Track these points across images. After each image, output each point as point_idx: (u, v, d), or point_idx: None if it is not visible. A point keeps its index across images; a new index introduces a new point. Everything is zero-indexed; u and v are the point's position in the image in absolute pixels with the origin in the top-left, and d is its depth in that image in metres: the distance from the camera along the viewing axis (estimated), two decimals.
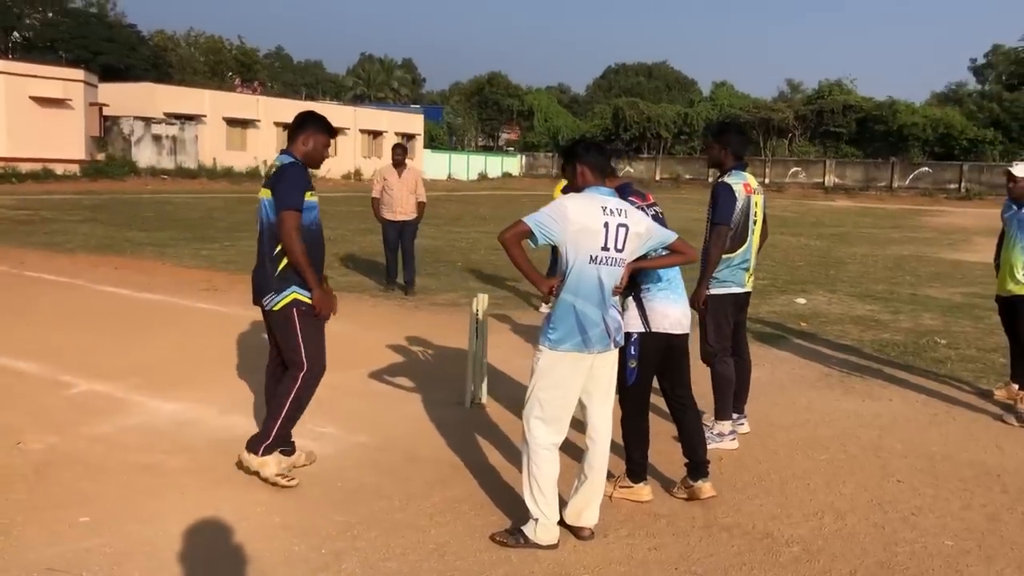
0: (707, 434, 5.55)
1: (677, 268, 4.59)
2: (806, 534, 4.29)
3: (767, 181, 52.43)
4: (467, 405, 6.23)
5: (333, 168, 48.07)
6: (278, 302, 4.53)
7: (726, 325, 5.63)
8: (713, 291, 5.59)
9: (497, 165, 63.00)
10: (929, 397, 6.94)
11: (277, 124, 46.59)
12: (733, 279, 5.56)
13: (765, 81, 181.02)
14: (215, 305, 9.86)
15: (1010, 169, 6.51)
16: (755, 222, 5.59)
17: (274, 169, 4.56)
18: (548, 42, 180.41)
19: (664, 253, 4.26)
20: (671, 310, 4.54)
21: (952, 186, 50.91)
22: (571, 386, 4.05)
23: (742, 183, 5.56)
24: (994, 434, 6.03)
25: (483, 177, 59.83)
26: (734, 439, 5.54)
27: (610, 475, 4.44)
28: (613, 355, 4.15)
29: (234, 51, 74.79)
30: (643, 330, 4.49)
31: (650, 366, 4.57)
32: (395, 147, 11.57)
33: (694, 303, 5.71)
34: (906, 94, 78.26)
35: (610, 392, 4.20)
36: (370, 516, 4.32)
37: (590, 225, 3.93)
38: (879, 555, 4.08)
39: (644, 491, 4.63)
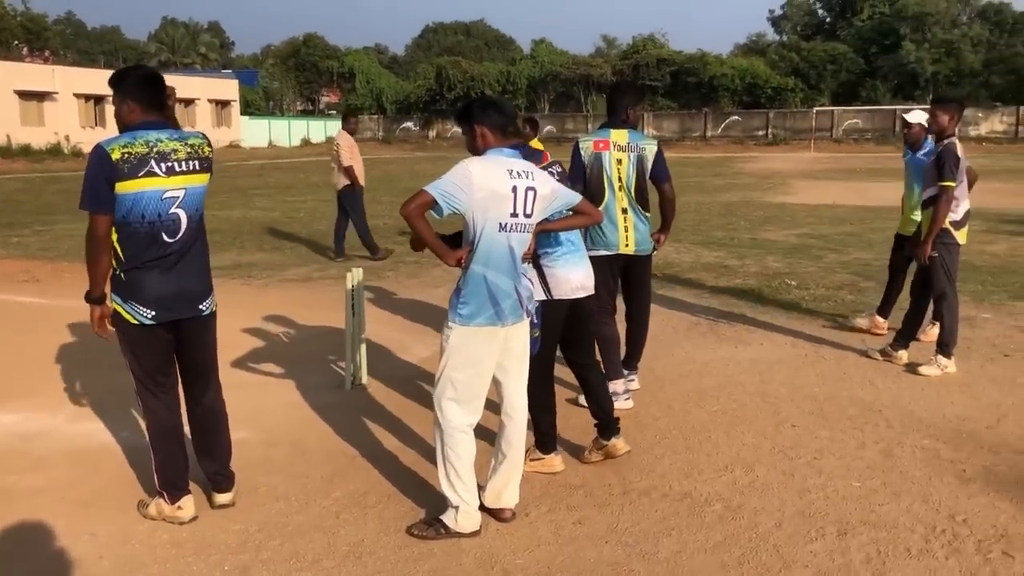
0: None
1: (577, 230, 4.42)
2: (722, 490, 4.25)
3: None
4: (348, 387, 5.87)
5: None
6: (214, 304, 3.98)
7: (601, 287, 5.47)
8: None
9: (320, 129, 60.98)
10: (795, 339, 7.15)
11: (78, 96, 43.18)
12: (600, 241, 5.42)
13: (581, 38, 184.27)
14: (39, 298, 8.92)
15: (905, 116, 6.80)
16: (616, 178, 5.43)
17: (208, 152, 3.87)
18: (361, 2, 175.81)
19: (568, 214, 4.05)
20: (573, 274, 4.37)
21: (760, 133, 53.65)
22: (485, 362, 3.80)
23: (593, 140, 5.47)
24: (864, 370, 6.26)
25: (306, 143, 57.80)
26: (628, 398, 5.47)
27: None
28: (526, 326, 3.93)
29: (19, 17, 68.48)
30: (545, 298, 4.30)
31: (555, 334, 4.40)
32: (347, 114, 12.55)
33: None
34: (713, 46, 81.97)
35: (525, 365, 3.98)
36: (269, 521, 3.94)
37: (498, 190, 3.66)
38: (797, 504, 4.09)
39: (556, 461, 4.48)
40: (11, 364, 6.46)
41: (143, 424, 4.66)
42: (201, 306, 3.87)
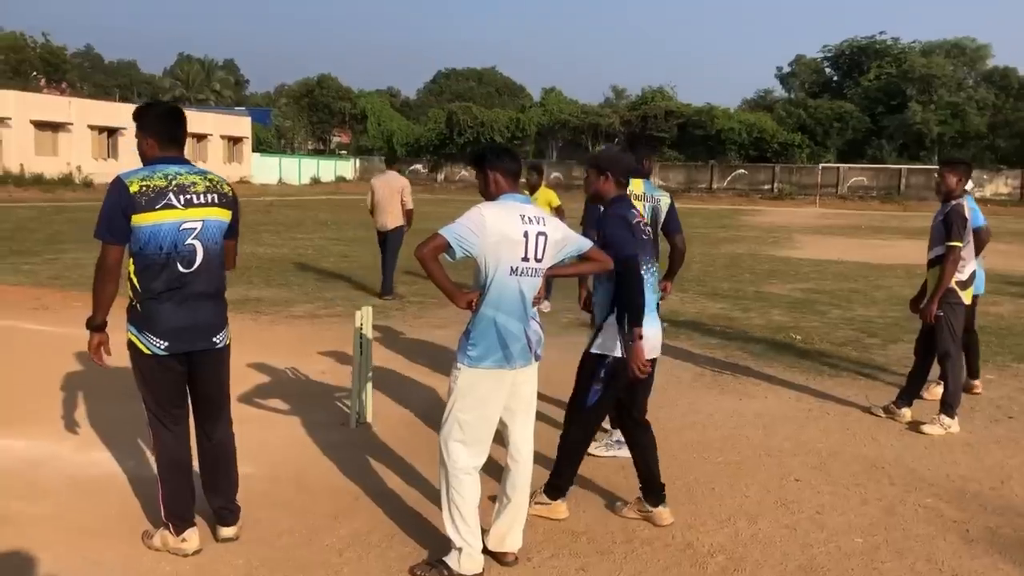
0: (606, 441, 5.51)
1: (654, 290, 4.48)
2: (725, 542, 4.25)
3: None
4: (352, 425, 5.88)
5: None
6: (228, 337, 4.04)
7: None
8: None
9: (330, 169, 61.62)
10: (800, 393, 7.16)
11: (92, 128, 43.76)
12: None
13: (591, 87, 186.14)
14: (49, 326, 8.96)
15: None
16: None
17: (227, 189, 3.97)
18: (376, 46, 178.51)
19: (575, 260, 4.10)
20: (649, 333, 4.32)
21: (766, 187, 54.05)
22: (493, 405, 3.83)
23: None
24: (867, 427, 6.27)
25: (316, 181, 58.32)
26: (624, 447, 5.47)
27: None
28: (534, 369, 3.97)
29: (39, 49, 69.51)
30: (620, 355, 4.25)
31: (616, 391, 4.37)
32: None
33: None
34: (720, 100, 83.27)
35: (532, 409, 4.01)
36: (272, 557, 3.94)
37: (510, 235, 3.73)
38: (799, 558, 4.09)
39: (561, 508, 4.47)
40: (18, 390, 6.49)
41: (149, 454, 4.71)
42: (215, 338, 3.92)
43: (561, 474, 4.44)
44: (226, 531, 4.06)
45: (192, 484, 3.97)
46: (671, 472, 5.20)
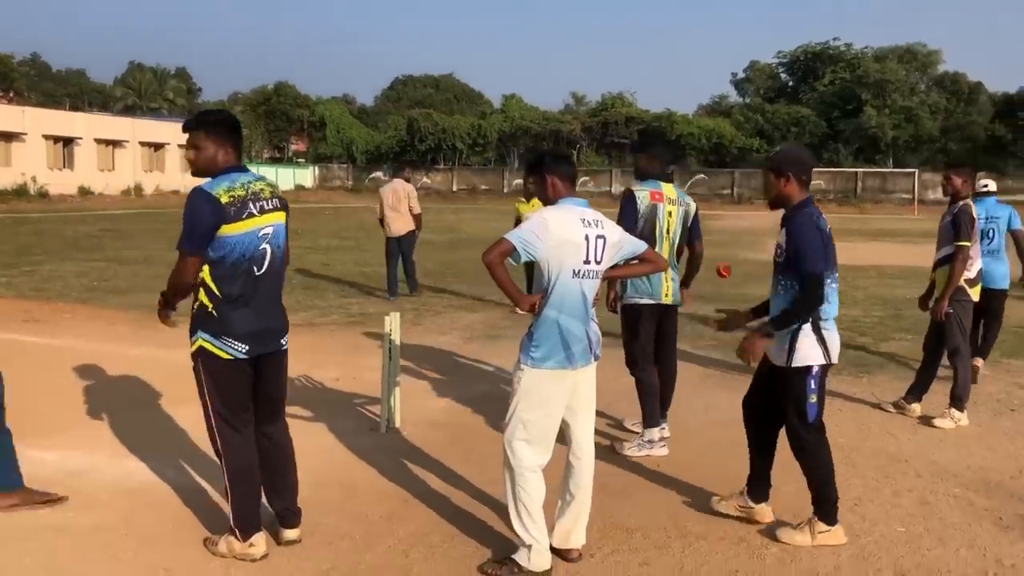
0: (637, 441, 5.61)
1: (836, 296, 4.36)
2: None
3: None
4: (383, 430, 5.91)
5: (111, 183, 44.86)
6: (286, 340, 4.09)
7: (643, 335, 5.68)
8: (625, 301, 5.68)
9: (289, 177, 61.05)
10: None
11: (47, 137, 42.86)
12: (644, 289, 5.60)
13: (551, 94, 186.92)
14: (44, 338, 8.83)
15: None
16: (666, 231, 5.66)
17: (279, 191, 4.07)
18: (330, 53, 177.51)
19: (633, 262, 4.19)
20: (837, 338, 4.36)
21: (726, 191, 54.75)
22: (555, 404, 3.91)
23: (649, 191, 5.64)
24: (880, 422, 6.45)
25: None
26: (664, 445, 5.60)
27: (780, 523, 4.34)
28: (593, 369, 4.05)
29: None
30: (824, 362, 4.23)
31: (824, 397, 4.34)
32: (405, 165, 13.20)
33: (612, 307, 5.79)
34: (677, 106, 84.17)
35: (592, 407, 4.09)
36: (340, 560, 3.98)
37: (572, 238, 3.82)
38: (849, 548, 4.22)
39: (840, 532, 4.27)
40: (35, 402, 6.39)
41: (183, 463, 4.75)
42: (282, 340, 3.99)
43: (828, 498, 4.27)
44: (289, 533, 4.08)
45: (259, 489, 3.98)
46: (703, 469, 5.34)
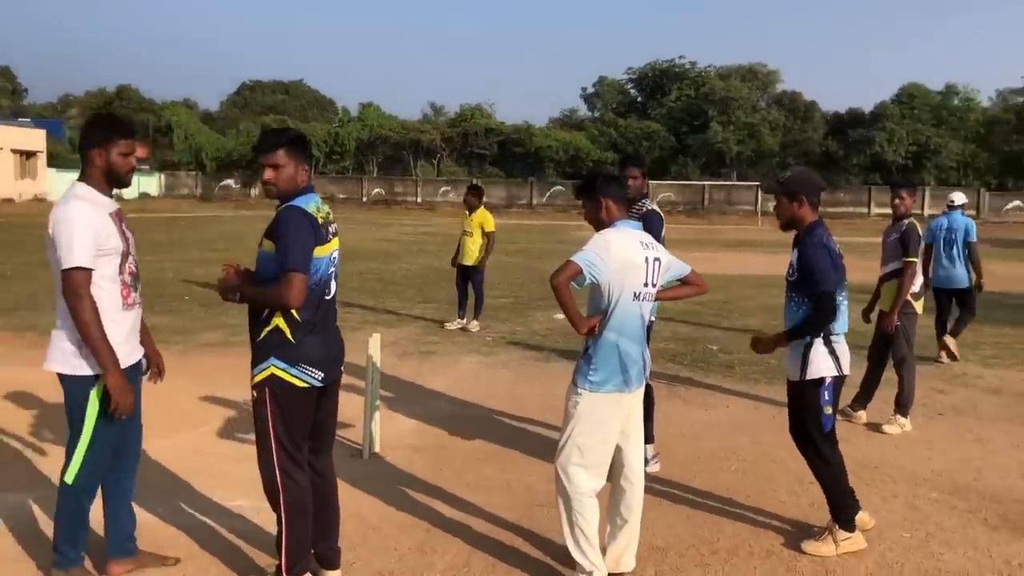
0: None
1: (846, 310, 4.54)
2: (797, 546, 4.49)
3: (419, 200, 54.12)
4: (365, 456, 5.71)
5: None
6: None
7: None
8: None
9: (134, 184, 58.06)
10: (753, 401, 7.61)
11: None
12: None
13: (407, 104, 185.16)
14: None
15: (953, 198, 9.41)
16: None
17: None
18: (168, 55, 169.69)
19: (675, 284, 4.24)
20: (847, 351, 4.54)
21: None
22: (611, 428, 3.90)
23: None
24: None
25: (118, 198, 54.51)
26: (656, 461, 5.67)
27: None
28: (642, 391, 4.06)
29: None
30: (836, 373, 4.41)
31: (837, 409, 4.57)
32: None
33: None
34: (530, 118, 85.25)
35: (641, 430, 4.10)
36: None
37: (633, 260, 3.83)
38: (871, 555, 4.41)
39: (861, 538, 4.47)
40: (23, 440, 5.82)
41: (180, 504, 4.42)
42: (342, 367, 3.79)
43: (845, 506, 4.46)
44: (332, 575, 3.88)
45: (311, 528, 3.76)
46: (700, 482, 5.44)
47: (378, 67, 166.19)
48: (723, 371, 8.80)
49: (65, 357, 3.56)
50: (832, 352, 4.41)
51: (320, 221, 3.59)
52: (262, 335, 3.59)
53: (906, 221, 6.72)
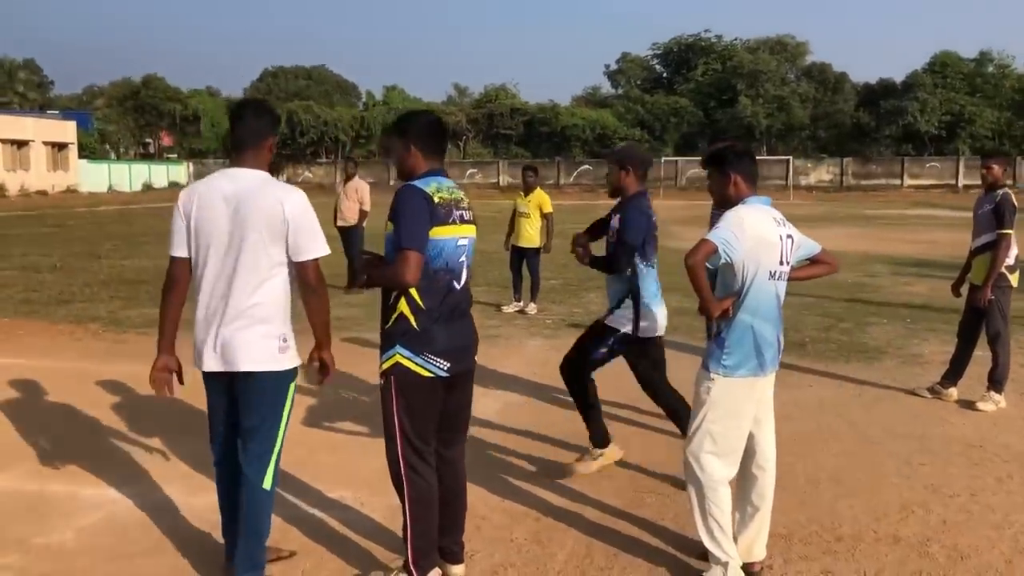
0: None
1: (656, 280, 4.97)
2: (923, 530, 4.35)
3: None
4: None
5: None
6: None
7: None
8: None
9: (163, 174, 58.38)
10: (834, 380, 7.43)
11: None
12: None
13: (432, 85, 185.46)
14: (12, 359, 8.01)
15: None
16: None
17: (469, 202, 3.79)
18: (191, 43, 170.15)
19: (805, 263, 4.05)
20: (659, 313, 5.02)
21: None
22: (745, 414, 3.76)
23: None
24: (926, 408, 6.57)
25: (148, 187, 55.13)
26: None
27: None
28: (774, 376, 3.91)
29: None
30: (628, 331, 4.92)
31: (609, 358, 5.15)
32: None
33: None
34: (554, 97, 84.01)
35: (773, 415, 3.95)
36: None
37: (769, 238, 3.67)
38: (1004, 540, 4.25)
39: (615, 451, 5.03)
40: (41, 433, 5.78)
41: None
42: (476, 358, 3.68)
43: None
44: (456, 570, 3.78)
45: (437, 522, 3.65)
46: (803, 466, 5.28)
47: (399, 51, 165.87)
48: (796, 350, 8.60)
49: (272, 354, 3.48)
50: (637, 314, 4.83)
51: (439, 201, 3.44)
52: (389, 322, 3.49)
53: (1000, 191, 6.48)
